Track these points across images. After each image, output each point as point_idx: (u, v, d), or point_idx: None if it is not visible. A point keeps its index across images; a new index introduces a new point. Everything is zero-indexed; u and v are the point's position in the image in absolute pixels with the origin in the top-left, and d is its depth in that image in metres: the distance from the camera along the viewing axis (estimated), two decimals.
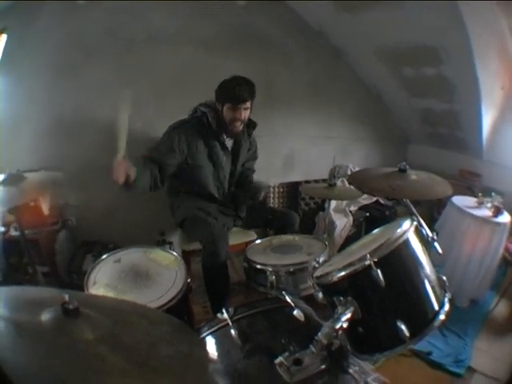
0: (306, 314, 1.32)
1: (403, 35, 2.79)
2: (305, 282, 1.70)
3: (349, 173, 3.50)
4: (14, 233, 2.29)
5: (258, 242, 2.10)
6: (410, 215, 1.45)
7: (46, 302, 0.75)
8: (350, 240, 3.00)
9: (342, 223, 3.19)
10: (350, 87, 3.65)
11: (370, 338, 1.17)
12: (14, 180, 1.68)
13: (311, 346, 1.12)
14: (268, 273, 1.73)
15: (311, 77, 3.42)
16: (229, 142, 2.38)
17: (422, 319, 1.15)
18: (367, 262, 1.10)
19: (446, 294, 1.23)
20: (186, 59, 2.87)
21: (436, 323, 1.14)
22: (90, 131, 2.74)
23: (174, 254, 1.81)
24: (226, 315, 1.30)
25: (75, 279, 2.52)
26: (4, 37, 2.44)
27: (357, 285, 1.15)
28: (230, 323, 1.28)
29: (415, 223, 1.26)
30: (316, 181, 3.55)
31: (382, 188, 1.68)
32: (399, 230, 1.18)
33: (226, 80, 2.22)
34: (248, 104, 2.21)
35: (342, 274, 1.14)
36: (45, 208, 2.49)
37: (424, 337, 1.13)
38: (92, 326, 0.71)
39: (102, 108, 2.73)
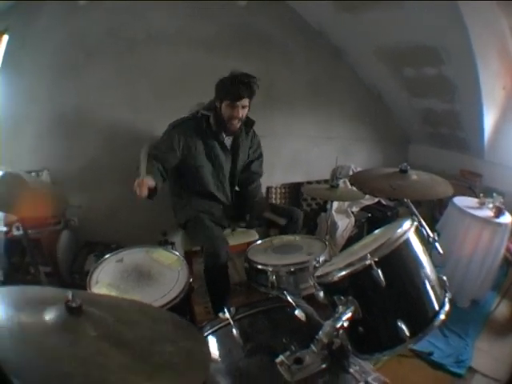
0: (306, 314, 1.33)
1: (403, 35, 2.80)
2: (305, 282, 1.71)
3: (351, 173, 3.51)
4: (16, 232, 2.30)
5: (259, 242, 2.11)
6: (411, 215, 1.45)
7: (49, 301, 0.76)
8: (351, 241, 3.01)
9: (344, 224, 3.20)
10: (351, 87, 3.66)
11: (370, 337, 1.18)
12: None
13: (312, 345, 1.13)
14: (269, 273, 1.74)
15: (311, 77, 3.42)
16: (228, 141, 2.39)
17: (422, 319, 1.15)
18: (368, 262, 1.10)
19: (447, 294, 1.23)
20: (186, 59, 2.87)
21: (436, 323, 1.15)
22: (92, 131, 2.75)
23: (177, 254, 1.82)
24: (227, 315, 1.31)
25: (77, 279, 2.52)
26: (6, 37, 2.45)
27: (357, 284, 1.15)
28: (232, 323, 1.28)
29: (416, 223, 1.27)
30: (318, 181, 3.56)
31: (383, 188, 1.70)
32: (400, 230, 1.18)
33: (226, 77, 2.22)
34: (246, 102, 2.22)
35: (343, 273, 1.15)
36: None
37: (424, 336, 1.14)
38: (95, 324, 0.72)
39: (103, 108, 2.75)
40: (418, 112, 3.59)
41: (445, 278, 1.26)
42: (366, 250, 1.18)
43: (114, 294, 1.45)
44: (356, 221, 3.27)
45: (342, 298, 1.16)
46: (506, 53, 2.64)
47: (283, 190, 3.57)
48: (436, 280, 1.23)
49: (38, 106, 2.59)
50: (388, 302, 1.14)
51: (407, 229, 1.20)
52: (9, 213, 2.10)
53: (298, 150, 3.56)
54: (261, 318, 1.36)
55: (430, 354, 2.11)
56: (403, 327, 1.10)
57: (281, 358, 1.11)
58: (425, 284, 1.17)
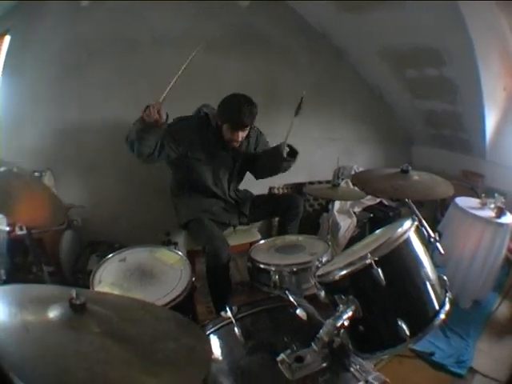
0: (308, 313, 1.34)
1: (405, 36, 2.81)
2: (307, 282, 1.72)
3: (353, 174, 3.51)
4: (19, 232, 2.31)
5: (262, 242, 2.12)
6: (412, 215, 1.46)
7: (52, 299, 0.77)
8: (353, 241, 3.00)
9: (346, 224, 3.20)
10: (353, 88, 3.66)
11: (370, 336, 1.19)
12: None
13: (313, 344, 1.14)
14: (271, 272, 1.75)
15: (314, 78, 3.42)
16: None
17: (422, 318, 1.17)
18: (368, 261, 1.12)
19: (447, 294, 1.24)
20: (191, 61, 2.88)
21: (436, 322, 1.16)
22: (95, 131, 2.76)
23: (179, 253, 1.82)
24: (229, 313, 1.32)
25: (80, 279, 2.53)
26: (8, 38, 2.46)
27: (358, 283, 1.16)
28: (234, 321, 1.30)
29: (416, 223, 1.28)
30: (320, 182, 3.57)
31: (384, 188, 1.70)
32: (400, 230, 1.20)
33: (229, 100, 2.22)
34: (248, 128, 2.26)
35: (344, 272, 1.16)
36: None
37: (424, 336, 1.15)
38: (98, 321, 0.73)
39: (106, 108, 2.76)
40: (421, 113, 3.59)
41: (445, 277, 1.27)
42: (366, 249, 1.19)
43: (116, 292, 1.46)
44: (358, 221, 3.27)
45: (343, 297, 1.17)
46: (507, 54, 2.64)
47: (286, 191, 3.57)
48: (436, 280, 1.24)
49: (40, 106, 2.60)
50: (388, 301, 1.15)
51: (407, 228, 1.21)
52: (5, 215, 2.07)
53: (301, 151, 3.53)
54: (263, 316, 1.38)
55: (432, 354, 2.11)
56: (403, 326, 1.11)
57: (282, 356, 1.12)
58: (425, 283, 1.18)
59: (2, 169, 1.67)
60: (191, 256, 2.28)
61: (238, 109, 2.16)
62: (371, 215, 3.34)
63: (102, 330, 0.71)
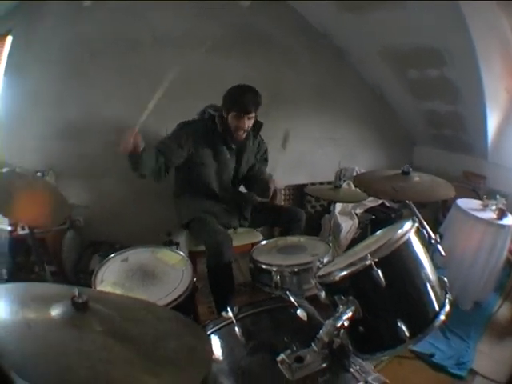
0: (308, 314, 1.34)
1: (406, 36, 2.82)
2: (309, 283, 1.72)
3: (355, 175, 3.52)
4: (21, 231, 2.32)
5: (264, 242, 2.12)
6: (412, 217, 1.47)
7: (55, 297, 0.78)
8: (355, 242, 3.01)
9: (348, 226, 3.21)
10: (355, 89, 3.67)
11: (370, 337, 1.19)
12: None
13: (313, 345, 1.14)
14: (273, 273, 1.75)
15: (315, 78, 3.43)
16: (235, 142, 2.41)
17: (422, 319, 1.17)
18: (368, 262, 1.12)
19: (447, 295, 1.24)
20: (191, 60, 2.89)
21: (436, 323, 1.16)
22: (97, 131, 2.77)
23: (181, 253, 1.83)
24: (230, 313, 1.33)
25: (82, 278, 2.54)
26: (10, 38, 2.47)
27: (358, 284, 1.17)
28: (235, 321, 1.30)
29: (416, 224, 1.28)
30: (321, 183, 3.57)
31: (385, 190, 1.71)
32: (400, 231, 1.20)
33: (233, 88, 2.26)
34: (252, 114, 2.25)
35: (344, 273, 1.17)
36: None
37: (424, 337, 1.15)
38: (100, 320, 0.74)
39: (108, 109, 2.77)
40: (422, 114, 3.60)
41: (445, 279, 1.27)
42: (366, 250, 1.19)
43: (118, 292, 1.47)
44: (360, 222, 3.28)
45: (343, 297, 1.18)
46: (509, 55, 2.64)
47: (287, 192, 3.58)
48: (436, 281, 1.24)
49: (42, 106, 2.61)
50: (388, 302, 1.16)
51: (407, 230, 1.22)
52: (8, 217, 2.04)
53: (303, 151, 3.56)
54: (263, 317, 1.38)
55: (432, 355, 2.11)
56: (403, 327, 1.11)
57: (282, 356, 1.12)
58: (425, 285, 1.19)
59: (5, 169, 1.67)
60: (193, 256, 2.29)
61: (243, 94, 2.21)
62: (373, 217, 3.35)
63: (104, 328, 0.72)
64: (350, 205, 3.33)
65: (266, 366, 1.17)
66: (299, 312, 1.33)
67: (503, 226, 2.46)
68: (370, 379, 1.10)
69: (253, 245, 2.29)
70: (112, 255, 1.75)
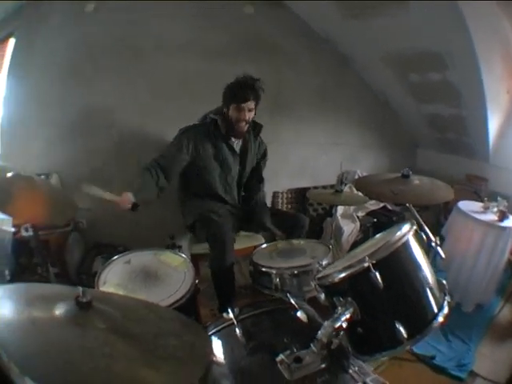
0: (308, 316, 1.35)
1: (408, 41, 2.83)
2: (308, 285, 1.74)
3: (356, 178, 3.53)
4: (24, 233, 2.33)
5: (264, 246, 2.15)
6: (411, 219, 1.48)
7: (59, 297, 0.80)
8: (357, 245, 3.00)
9: (350, 229, 3.22)
10: (358, 93, 3.68)
11: (369, 338, 1.20)
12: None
13: (312, 345, 1.16)
14: (273, 275, 1.78)
15: (319, 83, 3.45)
16: (237, 144, 2.44)
17: (420, 321, 1.17)
18: (366, 264, 1.13)
19: (446, 297, 1.25)
20: (195, 66, 2.92)
21: (434, 325, 1.17)
22: (101, 135, 2.81)
23: (183, 256, 1.85)
24: (231, 315, 1.34)
25: (85, 280, 2.57)
26: (12, 41, 2.50)
27: (356, 286, 1.18)
28: (235, 322, 1.32)
29: (415, 227, 1.29)
30: (324, 187, 3.58)
31: (385, 193, 1.72)
32: (398, 233, 1.21)
33: (232, 82, 2.29)
34: (252, 105, 2.27)
35: (342, 275, 1.18)
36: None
37: (422, 338, 1.16)
38: (103, 318, 0.76)
39: (112, 112, 2.80)
40: (425, 117, 3.60)
41: (444, 281, 1.28)
42: (365, 252, 1.20)
43: (121, 293, 1.49)
44: (361, 226, 3.28)
45: (342, 299, 1.19)
46: (510, 57, 2.64)
47: (290, 195, 3.59)
48: (435, 283, 1.24)
49: (46, 109, 2.64)
50: (386, 303, 1.17)
51: (406, 232, 1.23)
52: (15, 217, 2.08)
53: (306, 156, 3.58)
54: (264, 318, 1.39)
55: (432, 357, 2.11)
56: (401, 329, 1.12)
57: (281, 356, 1.13)
58: (423, 286, 1.20)
59: (10, 174, 1.70)
60: (195, 259, 2.31)
61: (239, 84, 2.26)
62: (375, 220, 3.36)
63: (107, 326, 0.74)
64: (352, 208, 3.34)
65: (265, 367, 1.18)
66: (299, 314, 1.34)
67: (504, 228, 2.46)
68: (368, 380, 1.11)
69: (254, 248, 2.30)
70: (115, 257, 1.78)
